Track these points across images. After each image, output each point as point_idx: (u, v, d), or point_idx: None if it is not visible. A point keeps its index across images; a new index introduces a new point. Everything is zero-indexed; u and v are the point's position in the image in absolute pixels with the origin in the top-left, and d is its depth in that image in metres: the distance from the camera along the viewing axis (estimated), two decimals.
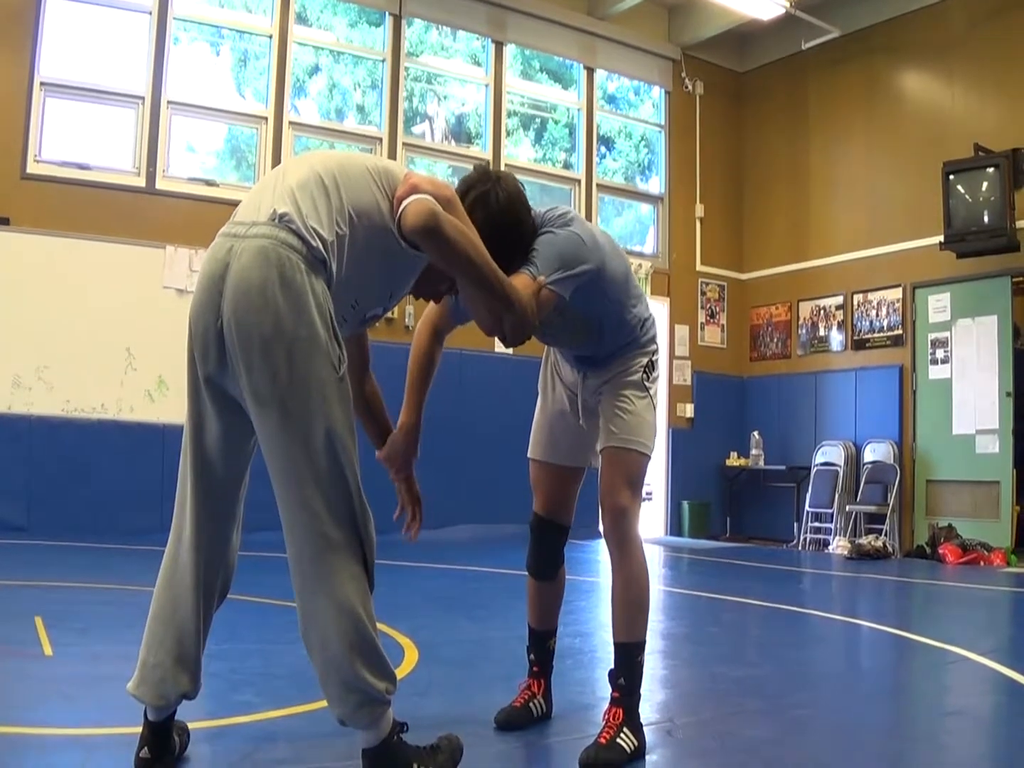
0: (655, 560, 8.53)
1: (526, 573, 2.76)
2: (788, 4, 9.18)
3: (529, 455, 2.76)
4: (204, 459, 2.11)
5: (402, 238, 2.08)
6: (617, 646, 2.50)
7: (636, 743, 2.38)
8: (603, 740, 2.34)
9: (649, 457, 2.59)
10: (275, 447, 2.00)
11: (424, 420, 2.55)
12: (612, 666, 2.51)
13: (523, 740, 2.53)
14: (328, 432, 1.98)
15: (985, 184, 8.37)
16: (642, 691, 2.52)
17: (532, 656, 2.75)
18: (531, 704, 2.67)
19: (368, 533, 2.05)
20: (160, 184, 7.93)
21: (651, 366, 2.65)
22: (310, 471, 1.98)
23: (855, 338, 9.88)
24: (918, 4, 9.28)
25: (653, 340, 2.70)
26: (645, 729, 2.45)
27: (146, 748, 2.07)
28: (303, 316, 1.95)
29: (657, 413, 2.65)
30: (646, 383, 2.62)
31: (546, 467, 2.72)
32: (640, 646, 2.50)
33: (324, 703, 2.08)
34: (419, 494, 2.59)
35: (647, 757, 2.40)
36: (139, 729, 2.09)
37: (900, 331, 9.43)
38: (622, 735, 2.36)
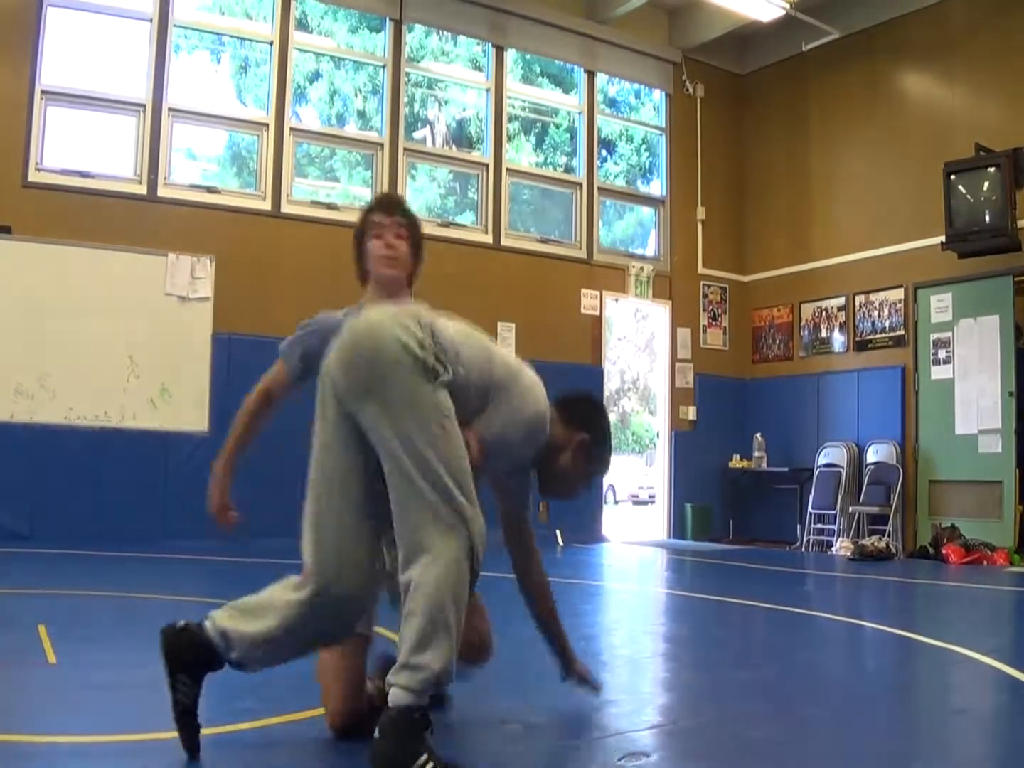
0: (658, 563, 8.53)
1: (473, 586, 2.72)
2: (788, 6, 9.19)
3: None
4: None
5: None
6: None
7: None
8: None
9: None
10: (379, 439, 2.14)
11: None
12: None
13: (525, 745, 2.53)
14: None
15: (986, 184, 8.37)
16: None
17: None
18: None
19: (476, 526, 2.11)
20: (161, 191, 7.94)
21: None
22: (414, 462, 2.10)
23: (857, 339, 9.87)
24: (918, 4, 9.29)
25: None
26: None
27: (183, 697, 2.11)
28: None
29: None
30: None
31: None
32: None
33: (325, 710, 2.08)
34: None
35: (649, 757, 2.39)
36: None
37: (902, 332, 9.43)
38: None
